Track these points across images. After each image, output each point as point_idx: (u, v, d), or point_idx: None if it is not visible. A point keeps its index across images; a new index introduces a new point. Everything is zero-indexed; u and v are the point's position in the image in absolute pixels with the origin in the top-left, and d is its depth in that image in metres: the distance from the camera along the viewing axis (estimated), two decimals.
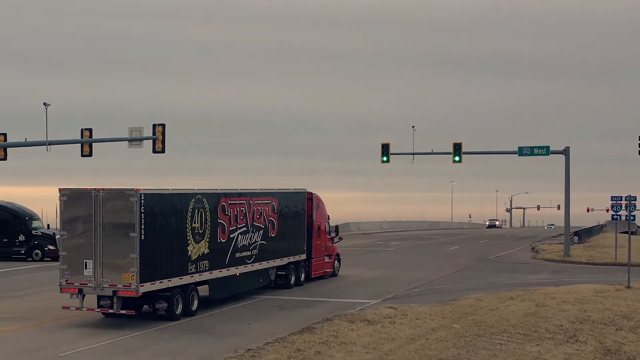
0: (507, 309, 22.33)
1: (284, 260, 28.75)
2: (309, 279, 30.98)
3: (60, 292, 21.44)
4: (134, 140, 36.46)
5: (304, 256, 30.41)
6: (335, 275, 33.41)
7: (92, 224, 20.90)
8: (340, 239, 35.44)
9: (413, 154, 47.74)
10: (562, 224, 49.31)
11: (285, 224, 28.79)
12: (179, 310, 22.05)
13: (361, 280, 32.23)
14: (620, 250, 43.09)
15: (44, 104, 35.54)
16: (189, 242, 22.65)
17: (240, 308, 24.19)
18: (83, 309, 21.33)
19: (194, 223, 22.89)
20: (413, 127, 47.75)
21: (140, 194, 20.65)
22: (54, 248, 45.57)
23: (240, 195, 26.01)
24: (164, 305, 21.70)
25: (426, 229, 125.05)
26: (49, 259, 45.01)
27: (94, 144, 39.73)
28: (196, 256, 23.00)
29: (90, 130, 37.88)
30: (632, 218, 40.57)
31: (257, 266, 26.76)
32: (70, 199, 21.28)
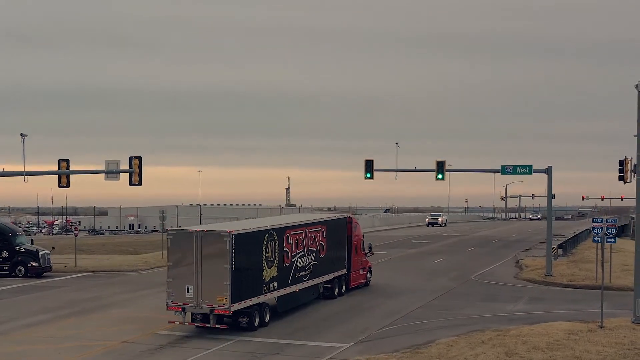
0: (476, 359, 22.41)
1: (330, 276, 35.00)
2: (348, 289, 36.88)
3: (167, 310, 26.97)
4: (111, 172, 36.54)
5: (344, 271, 36.70)
6: (368, 284, 39.55)
7: (193, 257, 26.39)
8: (372, 254, 41.82)
9: (397, 170, 47.88)
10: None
11: (331, 245, 35.01)
12: (256, 323, 27.55)
13: (337, 311, 32.20)
14: (600, 267, 42.98)
15: (21, 134, 35.50)
16: (264, 268, 28.54)
17: (216, 353, 24.19)
18: (185, 323, 26.89)
19: (267, 253, 28.78)
20: (397, 143, 47.81)
21: (232, 235, 26.18)
22: (37, 265, 45.59)
23: (299, 226, 31.95)
24: (246, 319, 27.21)
25: (418, 225, 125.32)
26: (32, 275, 45.02)
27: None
28: (268, 279, 28.88)
29: (67, 161, 37.89)
30: (612, 240, 40.67)
31: (311, 282, 32.90)
32: (176, 237, 26.97)
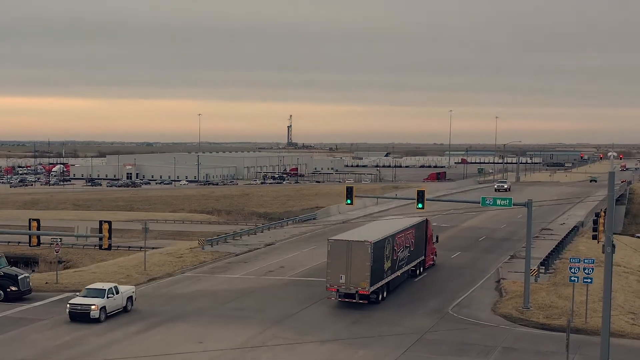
0: None
1: (415, 262, 52.56)
2: (424, 269, 55.27)
3: (326, 290, 43.77)
4: (81, 236, 36.33)
5: (423, 257, 54.84)
6: (434, 265, 58.18)
7: (345, 256, 42.65)
8: (437, 241, 59.70)
9: (377, 197, 47.73)
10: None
11: (417, 241, 52.34)
12: (380, 298, 44.27)
13: None
14: (579, 296, 42.82)
15: None
16: (385, 261, 44.63)
17: None
18: (338, 299, 43.58)
19: (387, 251, 44.83)
20: (377, 168, 47.47)
21: (371, 243, 42.31)
22: (16, 289, 45.34)
23: (402, 231, 48.40)
24: (375, 296, 43.61)
25: (410, 203, 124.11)
26: (12, 298, 44.80)
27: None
28: (386, 268, 45.01)
29: (37, 220, 37.76)
30: (589, 281, 40.72)
31: (405, 268, 49.79)
32: (334, 244, 43.26)
